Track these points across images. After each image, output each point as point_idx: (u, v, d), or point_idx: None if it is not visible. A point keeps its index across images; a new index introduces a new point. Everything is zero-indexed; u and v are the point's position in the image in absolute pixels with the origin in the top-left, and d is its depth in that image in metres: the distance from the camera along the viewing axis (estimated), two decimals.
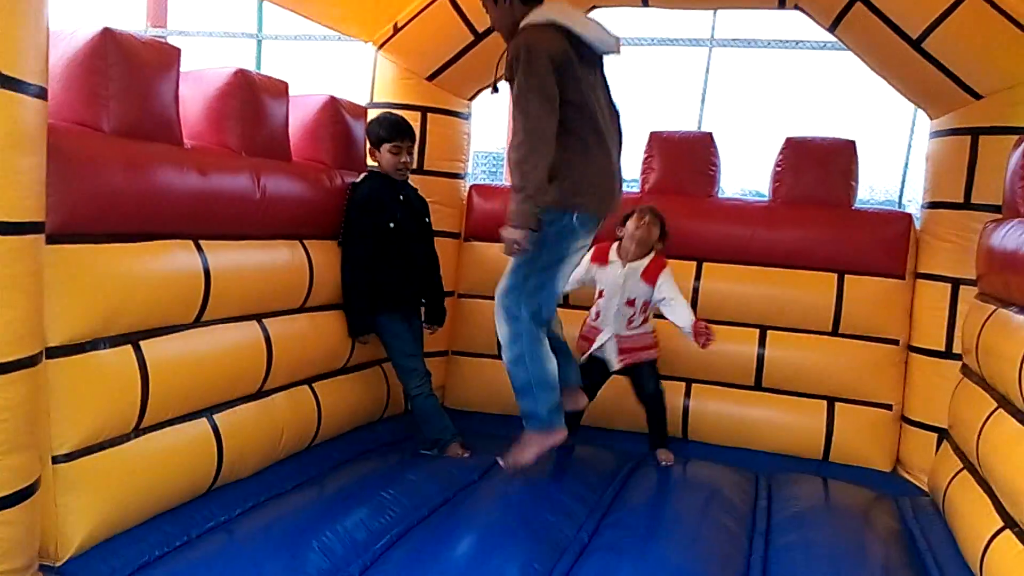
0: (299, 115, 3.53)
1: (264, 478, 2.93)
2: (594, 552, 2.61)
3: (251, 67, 3.30)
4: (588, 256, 3.39)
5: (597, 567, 2.49)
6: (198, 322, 2.70)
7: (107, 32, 2.39)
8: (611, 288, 3.45)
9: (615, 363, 3.50)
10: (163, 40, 2.63)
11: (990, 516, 2.47)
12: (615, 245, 3.49)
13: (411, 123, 3.58)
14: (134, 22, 8.10)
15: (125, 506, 2.36)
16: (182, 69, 2.70)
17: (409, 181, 3.65)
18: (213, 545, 2.42)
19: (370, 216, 3.45)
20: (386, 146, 3.47)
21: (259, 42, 7.95)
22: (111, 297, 2.32)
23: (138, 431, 2.43)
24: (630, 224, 3.42)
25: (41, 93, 1.97)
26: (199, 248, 2.70)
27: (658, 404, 3.56)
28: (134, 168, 2.43)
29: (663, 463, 3.46)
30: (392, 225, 3.47)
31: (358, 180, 3.55)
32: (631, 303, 3.43)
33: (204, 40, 8.16)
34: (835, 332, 3.81)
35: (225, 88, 2.98)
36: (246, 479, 2.89)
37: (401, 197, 3.54)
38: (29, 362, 1.95)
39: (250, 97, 3.03)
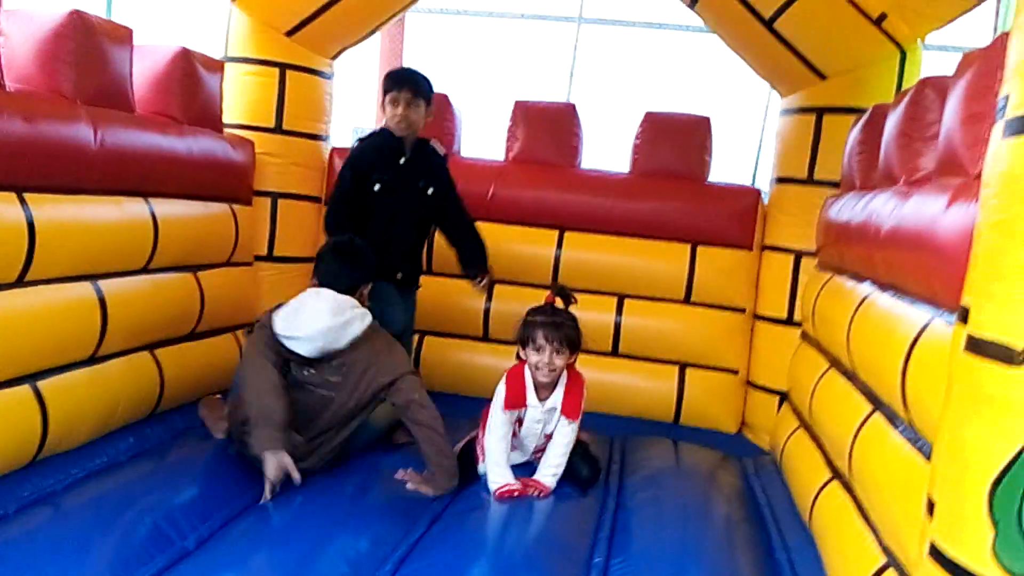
0: (148, 66, 3.31)
1: (98, 448, 2.76)
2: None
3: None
4: (501, 404, 2.80)
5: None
6: (21, 281, 2.48)
7: None
8: (530, 427, 2.90)
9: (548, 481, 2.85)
10: None
11: (819, 469, 2.62)
12: (527, 375, 2.83)
13: (413, 77, 3.29)
14: None
15: None
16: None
17: (434, 144, 3.41)
18: (34, 519, 2.24)
19: (355, 175, 3.26)
20: (386, 97, 3.25)
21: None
22: None
23: None
24: (532, 356, 2.77)
25: None
26: (22, 200, 2.47)
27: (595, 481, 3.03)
28: None
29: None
30: (377, 188, 3.25)
31: (364, 136, 3.37)
32: (550, 436, 2.90)
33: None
34: (687, 300, 3.95)
35: (59, 29, 2.73)
36: (78, 449, 2.70)
37: (402, 160, 3.28)
38: None
39: (86, 40, 2.80)
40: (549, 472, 2.83)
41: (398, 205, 3.30)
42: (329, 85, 4.21)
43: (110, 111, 2.90)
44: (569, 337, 2.76)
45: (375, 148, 3.32)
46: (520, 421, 2.89)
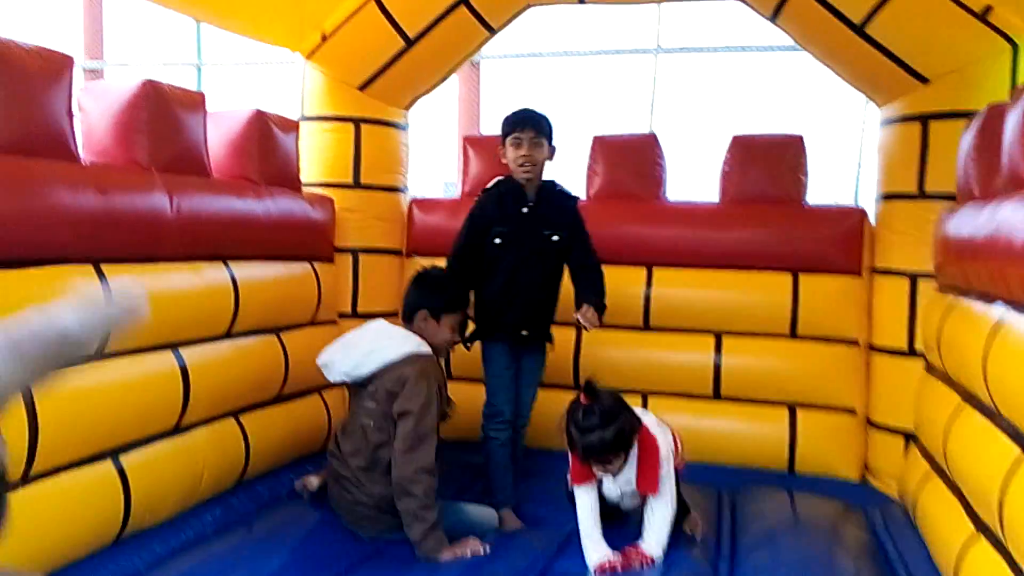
0: (224, 131, 3.33)
1: (183, 522, 2.69)
2: None
3: None
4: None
5: None
6: (99, 354, 2.46)
7: None
8: (612, 495, 2.72)
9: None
10: (52, 49, 2.40)
11: (961, 521, 2.30)
12: None
13: (534, 116, 3.07)
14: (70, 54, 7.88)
15: (16, 563, 2.10)
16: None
17: (562, 186, 3.19)
18: None
19: (473, 229, 3.13)
20: (507, 140, 3.08)
21: (199, 69, 7.75)
22: None
23: (27, 479, 2.18)
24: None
25: None
26: (100, 273, 2.46)
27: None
28: (15, 187, 2.20)
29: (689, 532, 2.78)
30: (498, 241, 3.07)
31: (489, 185, 3.21)
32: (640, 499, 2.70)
33: (144, 71, 7.91)
34: (793, 335, 3.65)
35: (133, 100, 2.76)
36: (162, 524, 2.64)
37: (525, 209, 3.08)
38: None
39: (160, 109, 2.82)
40: (652, 539, 2.58)
41: (521, 257, 3.08)
42: (404, 136, 4.17)
43: (185, 177, 2.90)
44: (612, 446, 2.51)
45: (496, 198, 3.14)
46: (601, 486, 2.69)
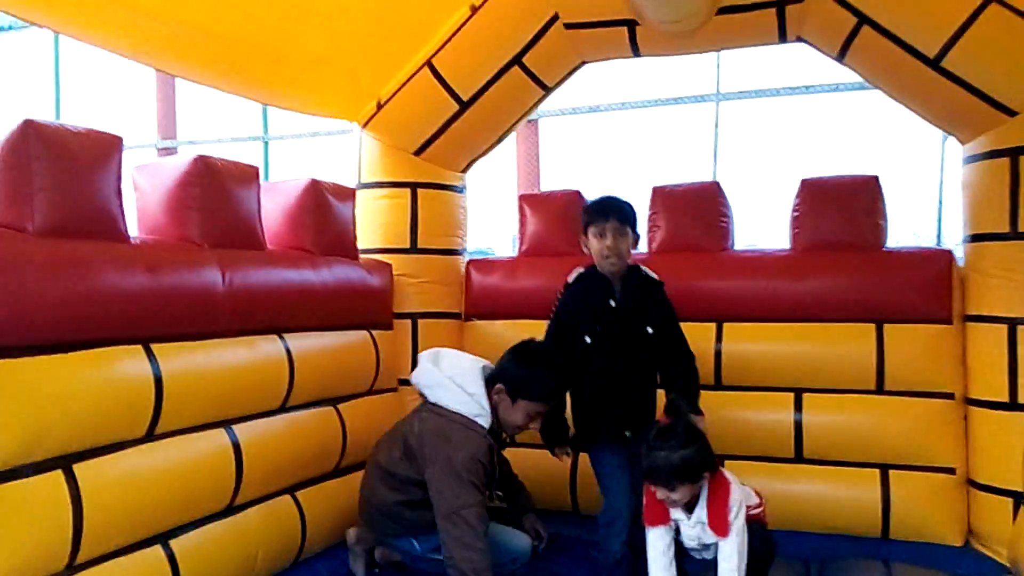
0: (279, 202, 3.33)
1: None
2: None
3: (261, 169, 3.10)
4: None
5: None
6: (151, 436, 2.41)
7: (28, 124, 2.18)
8: (690, 539, 2.61)
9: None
10: (102, 131, 2.42)
11: None
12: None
13: (617, 204, 2.93)
14: (146, 136, 8.22)
15: None
16: None
17: (645, 270, 3.02)
18: None
19: (559, 330, 3.00)
20: (589, 231, 2.93)
21: (266, 143, 7.99)
22: (34, 417, 2.04)
23: (72, 568, 2.12)
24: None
25: None
26: (149, 353, 2.43)
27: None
28: (62, 270, 2.19)
29: None
30: (588, 340, 2.91)
31: (570, 280, 3.06)
32: (708, 547, 2.59)
33: (214, 147, 8.20)
34: (880, 390, 3.38)
35: (184, 178, 2.76)
36: None
37: (612, 302, 2.92)
38: None
39: (212, 184, 2.81)
40: None
41: (614, 355, 2.90)
42: (462, 199, 4.12)
43: (238, 251, 2.88)
44: (677, 473, 2.41)
45: (580, 294, 2.99)
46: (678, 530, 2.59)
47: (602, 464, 2.96)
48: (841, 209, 3.51)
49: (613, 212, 2.91)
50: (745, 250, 3.75)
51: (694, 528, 2.54)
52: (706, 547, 2.58)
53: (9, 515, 1.97)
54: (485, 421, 2.75)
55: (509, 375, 2.82)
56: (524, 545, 2.94)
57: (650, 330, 2.93)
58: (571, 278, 3.05)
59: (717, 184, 3.77)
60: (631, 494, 2.84)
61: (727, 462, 3.48)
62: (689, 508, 2.53)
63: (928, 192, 5.32)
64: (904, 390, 3.34)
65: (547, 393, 2.85)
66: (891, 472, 3.33)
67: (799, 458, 3.44)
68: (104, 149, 2.40)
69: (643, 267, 3.05)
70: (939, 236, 5.18)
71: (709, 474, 2.50)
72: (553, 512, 3.62)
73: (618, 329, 2.91)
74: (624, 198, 2.98)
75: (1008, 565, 2.98)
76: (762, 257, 3.64)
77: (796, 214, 3.61)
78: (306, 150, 7.94)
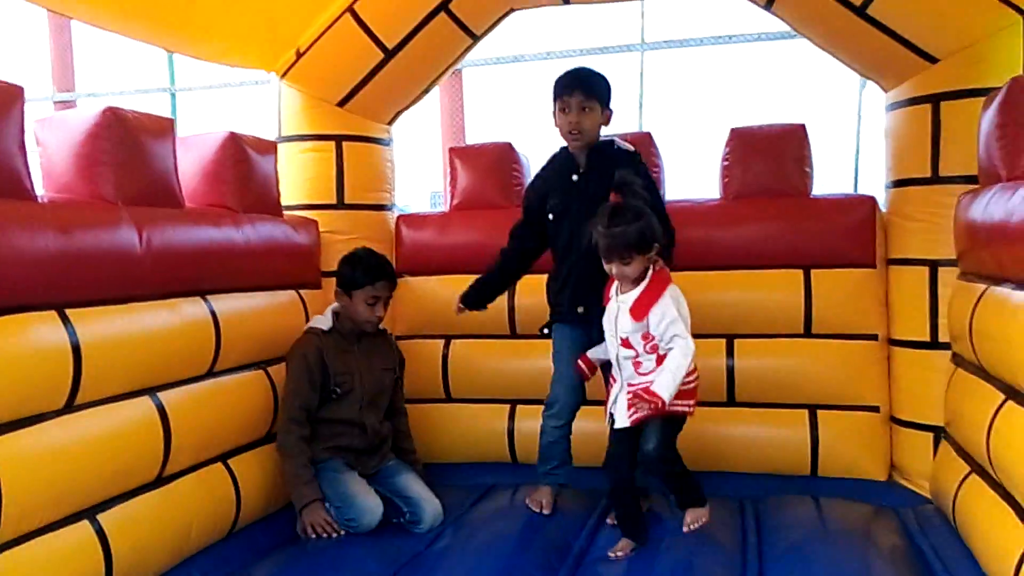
0: (196, 156, 3.14)
1: None
2: None
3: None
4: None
5: None
6: (69, 408, 2.27)
7: None
8: (607, 327, 2.71)
9: (622, 420, 2.65)
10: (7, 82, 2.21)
11: (1015, 529, 2.13)
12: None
13: (583, 75, 2.88)
14: (39, 87, 7.69)
15: None
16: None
17: (620, 143, 2.96)
18: None
19: (526, 207, 3.06)
20: (556, 105, 2.89)
21: (173, 95, 7.58)
22: None
23: None
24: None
25: None
26: (64, 319, 2.27)
27: (662, 463, 2.66)
28: None
29: (691, 525, 2.71)
30: (551, 217, 2.95)
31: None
32: (626, 343, 2.64)
33: (116, 99, 7.74)
34: (808, 333, 3.47)
35: (93, 130, 2.56)
36: None
37: (575, 176, 2.91)
38: None
39: (124, 137, 2.61)
40: (662, 380, 2.54)
41: (573, 229, 2.87)
42: (389, 152, 4.00)
43: (155, 209, 2.71)
44: (628, 245, 2.53)
45: (547, 172, 3.03)
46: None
47: (554, 344, 3.03)
48: (770, 157, 3.54)
49: (578, 85, 2.82)
50: (675, 200, 3.76)
51: (615, 310, 2.63)
52: (620, 343, 2.62)
53: None
54: (323, 323, 3.13)
55: (339, 277, 3.14)
56: (370, 507, 2.91)
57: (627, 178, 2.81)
58: (546, 161, 3.06)
59: (648, 135, 3.75)
60: (577, 384, 2.94)
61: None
62: (625, 289, 2.62)
63: (845, 141, 5.44)
64: (831, 333, 3.44)
65: (367, 276, 3.07)
66: (819, 412, 3.44)
67: (731, 402, 3.51)
68: (3, 100, 2.20)
69: (618, 140, 2.97)
70: (856, 183, 5.32)
71: (655, 262, 2.61)
72: (493, 464, 3.66)
73: (578, 204, 2.86)
74: (597, 70, 2.92)
75: (930, 496, 3.13)
76: (692, 207, 3.65)
77: (726, 163, 3.63)
78: (216, 102, 7.57)
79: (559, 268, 3.00)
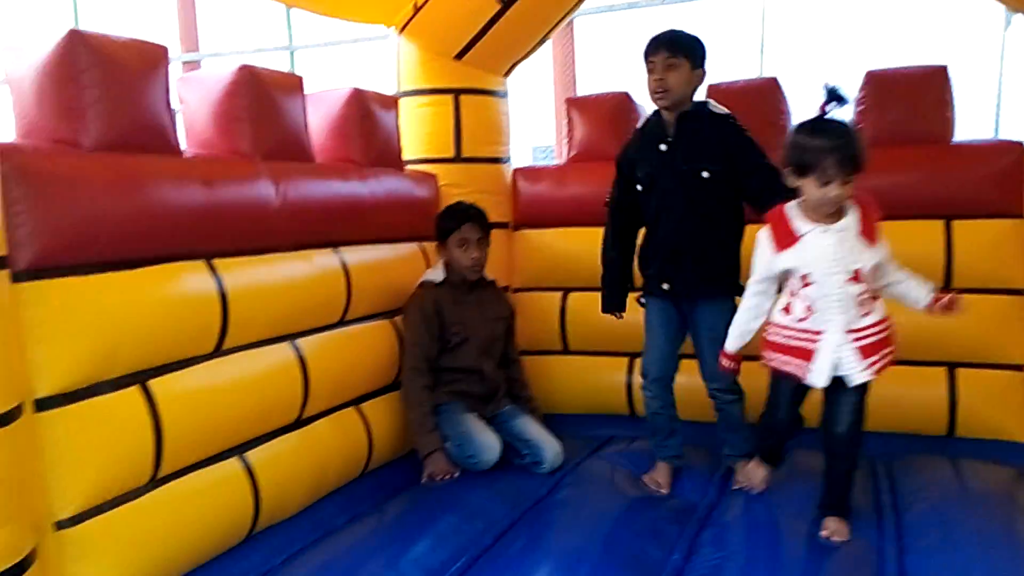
0: (322, 112, 3.23)
1: (312, 516, 2.62)
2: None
3: None
4: (766, 250, 2.39)
5: None
6: (219, 351, 2.40)
7: (74, 35, 2.10)
8: (823, 266, 2.28)
9: (859, 372, 2.33)
10: (146, 40, 2.32)
11: None
12: (792, 210, 2.33)
13: (668, 35, 2.72)
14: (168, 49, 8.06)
15: (149, 568, 2.07)
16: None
17: (713, 106, 2.80)
18: None
19: (618, 180, 2.97)
20: (646, 68, 2.76)
21: (291, 53, 7.79)
22: (107, 335, 2.03)
23: (155, 482, 2.14)
24: (813, 191, 2.23)
25: None
26: (212, 268, 2.40)
27: (847, 451, 2.43)
28: (122, 186, 2.14)
29: (827, 536, 2.40)
30: (640, 188, 2.85)
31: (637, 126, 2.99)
32: (856, 277, 2.30)
33: (238, 58, 8.01)
34: (947, 287, 3.29)
35: (231, 87, 2.67)
36: (290, 519, 2.59)
37: (663, 146, 2.77)
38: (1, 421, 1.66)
39: (259, 95, 2.72)
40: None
41: (660, 203, 2.79)
42: (504, 104, 3.99)
43: (289, 164, 2.81)
44: (857, 158, 2.21)
45: (637, 141, 2.90)
46: (804, 281, 2.31)
47: (646, 316, 2.97)
48: (909, 101, 3.34)
49: (663, 44, 2.69)
50: None
51: (835, 241, 2.26)
52: (848, 278, 2.28)
53: (93, 431, 1.98)
54: (435, 276, 3.22)
55: (435, 231, 3.27)
56: (489, 444, 2.98)
57: (706, 174, 2.71)
58: (639, 126, 2.95)
59: (775, 80, 3.60)
60: (667, 355, 2.91)
61: None
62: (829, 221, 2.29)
63: (986, 84, 5.10)
64: (972, 287, 3.24)
65: (453, 220, 3.21)
66: (958, 371, 3.28)
67: None
68: (151, 59, 2.32)
69: (712, 103, 2.81)
70: (997, 128, 4.99)
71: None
72: (611, 416, 3.67)
73: (667, 174, 2.75)
74: (688, 32, 2.77)
75: None
76: None
77: (860, 108, 3.44)
78: (333, 60, 7.72)
79: (647, 241, 2.92)
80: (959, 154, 3.30)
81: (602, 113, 3.83)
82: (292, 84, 2.91)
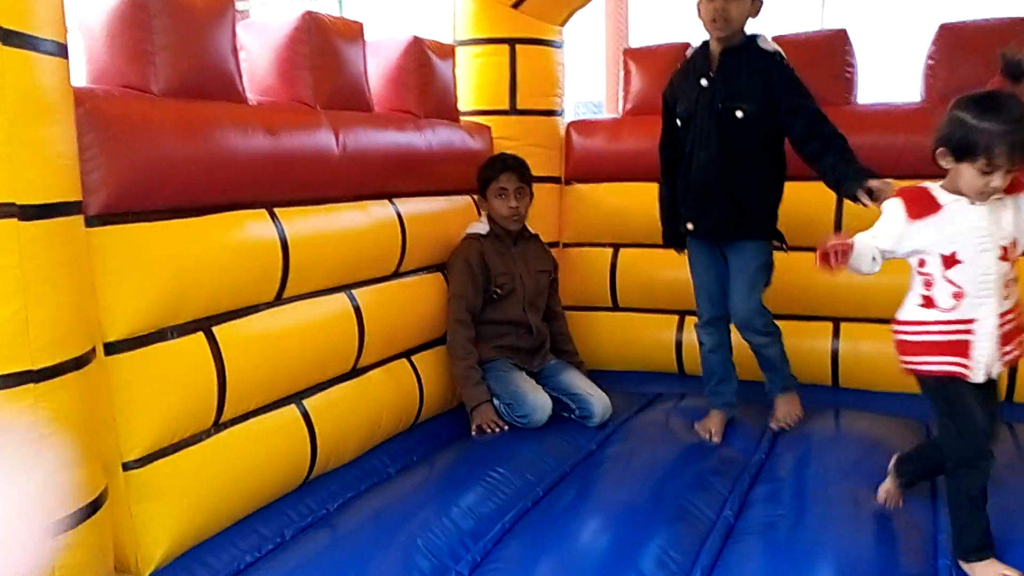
0: (380, 61, 3.19)
1: (365, 464, 2.67)
2: (743, 536, 2.22)
3: None
4: (898, 216, 2.03)
5: (748, 555, 2.11)
6: (279, 300, 2.44)
7: None
8: (973, 241, 1.95)
9: (996, 365, 1.98)
10: None
11: None
12: (935, 184, 2.02)
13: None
14: None
15: (211, 509, 2.13)
16: None
17: (762, 41, 2.69)
18: (312, 544, 2.17)
19: (666, 109, 2.92)
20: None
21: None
22: (175, 280, 2.06)
23: (218, 426, 2.20)
24: (971, 178, 1.90)
25: (59, 50, 1.70)
26: (274, 217, 2.42)
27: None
28: (190, 132, 2.15)
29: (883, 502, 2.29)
30: (678, 123, 2.83)
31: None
32: (1005, 255, 1.98)
33: (286, 4, 7.96)
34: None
35: (293, 34, 2.64)
36: (345, 467, 2.63)
37: (704, 81, 2.70)
38: (75, 364, 1.71)
39: (321, 43, 2.69)
40: None
41: (695, 140, 2.73)
42: (560, 55, 3.92)
43: (349, 113, 2.81)
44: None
45: (679, 73, 2.83)
46: (951, 260, 1.95)
47: (689, 257, 2.96)
48: (982, 56, 3.19)
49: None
50: (871, 104, 3.50)
51: (985, 213, 1.95)
52: (999, 255, 1.96)
53: (159, 375, 2.02)
54: (480, 228, 3.21)
55: (477, 184, 3.27)
56: (541, 404, 2.98)
57: (740, 113, 2.63)
58: (685, 59, 2.87)
59: (844, 32, 3.47)
60: (714, 295, 2.87)
61: (843, 325, 3.42)
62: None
63: None
64: None
65: (490, 171, 3.21)
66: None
67: None
68: (218, 5, 2.31)
69: (762, 37, 2.70)
70: None
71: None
72: (660, 374, 3.66)
73: (704, 111, 2.69)
74: None
75: None
76: (890, 110, 3.39)
77: (931, 62, 3.32)
78: (382, 4, 7.62)
79: (682, 179, 2.85)
80: None
81: (661, 65, 3.71)
82: (353, 32, 2.88)
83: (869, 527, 2.25)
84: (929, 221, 1.98)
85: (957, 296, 1.97)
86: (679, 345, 3.67)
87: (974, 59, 3.21)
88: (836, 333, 3.44)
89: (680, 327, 3.67)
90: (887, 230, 2.05)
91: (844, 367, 3.43)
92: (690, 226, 2.85)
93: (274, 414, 2.38)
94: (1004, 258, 1.97)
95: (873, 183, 2.32)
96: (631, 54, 3.87)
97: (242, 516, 2.25)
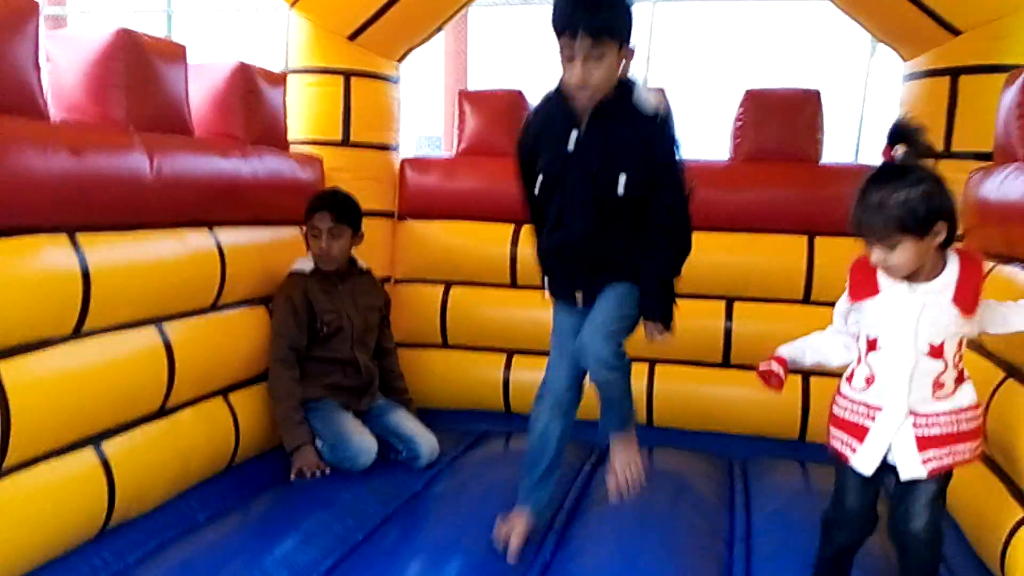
0: (205, 84, 3.06)
1: (172, 511, 2.51)
2: (555, 569, 2.28)
3: None
4: (844, 295, 2.06)
5: None
6: (77, 333, 2.24)
7: None
8: (895, 329, 1.91)
9: (913, 467, 1.92)
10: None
11: (1008, 507, 2.18)
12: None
13: (595, 8, 2.06)
14: None
15: None
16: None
17: (638, 97, 2.18)
18: None
19: (523, 165, 2.39)
20: (558, 46, 2.12)
21: (169, 16, 7.37)
22: None
23: (0, 472, 1.98)
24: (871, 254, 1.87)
25: None
26: (74, 243, 2.23)
27: (927, 553, 1.96)
28: None
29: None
30: (540, 179, 2.30)
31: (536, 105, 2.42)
32: (937, 352, 1.89)
33: (109, 17, 7.53)
34: (806, 300, 3.50)
35: (107, 50, 2.48)
36: (149, 514, 2.46)
37: (570, 145, 2.20)
38: None
39: (137, 61, 2.55)
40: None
41: (565, 204, 2.26)
42: (396, 90, 3.92)
43: (166, 136, 2.66)
44: (897, 219, 1.76)
45: (540, 121, 2.31)
46: (872, 344, 1.93)
47: (554, 319, 2.48)
48: (783, 121, 3.53)
49: (585, 25, 2.01)
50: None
51: (917, 304, 1.86)
52: (927, 351, 1.86)
53: None
54: (305, 265, 3.12)
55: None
56: (365, 447, 2.91)
57: (621, 184, 2.17)
58: (539, 102, 2.37)
59: (662, 91, 3.69)
60: (569, 369, 2.38)
61: (658, 367, 3.58)
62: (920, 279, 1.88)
63: (848, 108, 5.42)
64: (830, 301, 3.43)
65: (307, 208, 3.14)
66: (811, 379, 3.48)
67: (726, 363, 3.55)
68: (19, 13, 2.13)
69: (640, 89, 2.20)
70: (856, 151, 5.32)
71: (952, 241, 1.84)
72: (487, 412, 3.70)
73: (576, 173, 2.21)
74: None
75: None
76: (702, 166, 3.62)
77: (739, 123, 3.61)
78: (213, 26, 7.36)
79: (551, 239, 2.36)
80: (825, 175, 3.50)
81: (494, 109, 3.83)
82: (175, 53, 2.75)
83: None
84: (867, 304, 1.96)
85: (868, 380, 1.97)
86: (506, 383, 3.73)
87: (776, 123, 3.53)
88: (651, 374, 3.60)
89: (508, 365, 3.73)
90: (837, 307, 2.11)
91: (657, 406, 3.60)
92: (579, 295, 2.38)
93: (66, 458, 2.18)
94: (934, 355, 1.88)
95: (650, 326, 2.30)
96: (466, 96, 3.94)
97: (28, 570, 2.04)
